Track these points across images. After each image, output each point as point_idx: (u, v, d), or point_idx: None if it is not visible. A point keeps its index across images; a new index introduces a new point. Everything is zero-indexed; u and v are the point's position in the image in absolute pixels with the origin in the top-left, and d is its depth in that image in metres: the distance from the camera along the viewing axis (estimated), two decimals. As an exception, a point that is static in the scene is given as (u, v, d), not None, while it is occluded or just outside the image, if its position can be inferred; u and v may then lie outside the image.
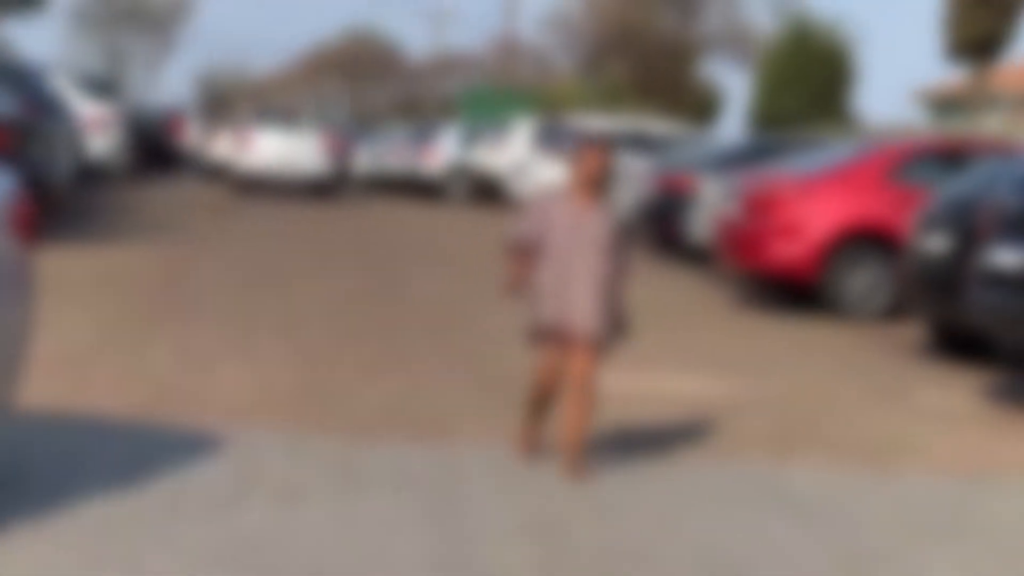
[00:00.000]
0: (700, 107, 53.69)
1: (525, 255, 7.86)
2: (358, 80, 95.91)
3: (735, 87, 67.56)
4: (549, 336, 7.87)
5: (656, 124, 31.65)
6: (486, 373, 10.98)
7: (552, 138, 28.86)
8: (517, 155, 30.29)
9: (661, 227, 21.07)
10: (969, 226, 11.49)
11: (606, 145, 7.87)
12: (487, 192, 34.12)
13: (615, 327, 7.90)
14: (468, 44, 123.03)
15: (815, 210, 15.26)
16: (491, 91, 51.55)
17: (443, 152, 37.20)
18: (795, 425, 9.77)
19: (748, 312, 15.68)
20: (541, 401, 8.06)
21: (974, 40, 39.69)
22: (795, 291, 15.73)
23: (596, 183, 7.76)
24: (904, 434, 9.73)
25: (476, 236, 25.14)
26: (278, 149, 33.79)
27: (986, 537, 7.28)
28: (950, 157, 15.25)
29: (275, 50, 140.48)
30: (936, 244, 12.12)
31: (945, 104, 48.66)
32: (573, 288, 7.75)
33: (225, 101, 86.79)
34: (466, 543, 6.56)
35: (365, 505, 7.09)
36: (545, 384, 7.98)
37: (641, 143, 26.81)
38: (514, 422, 8.76)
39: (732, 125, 51.94)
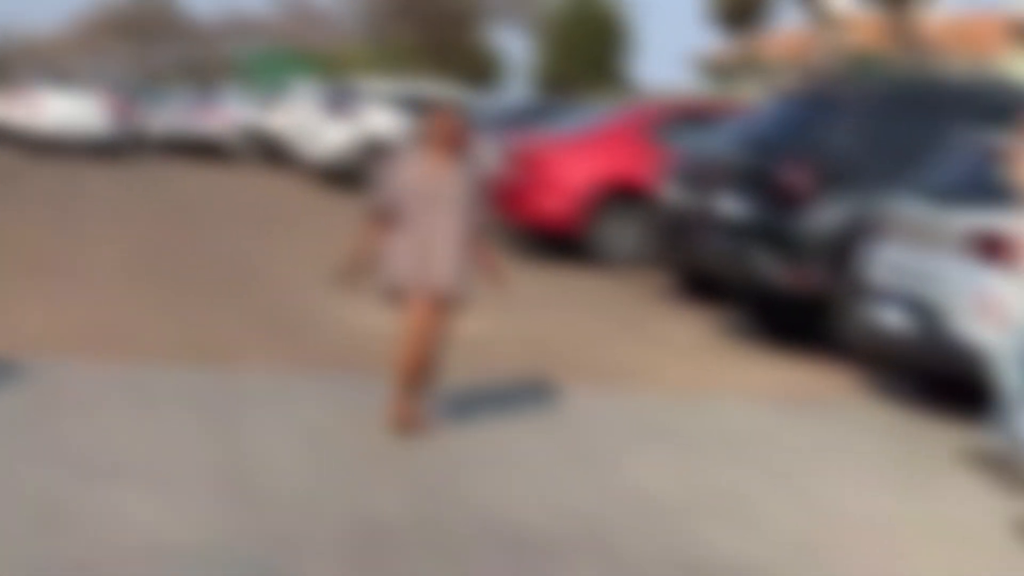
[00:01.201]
0: (484, 71, 54.89)
1: (382, 222, 8.05)
2: (144, 42, 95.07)
3: (520, 52, 68.96)
4: (408, 295, 8.03)
5: (437, 87, 32.63)
6: (271, 314, 11.95)
7: (337, 101, 29.64)
8: (302, 118, 30.98)
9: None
10: (703, 181, 12.73)
11: (458, 108, 8.41)
12: (274, 154, 34.79)
13: (471, 282, 8.13)
14: (258, 7, 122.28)
15: (576, 167, 16.43)
16: (278, 54, 52.03)
17: (230, 115, 37.74)
18: (552, 355, 10.90)
19: (518, 262, 16.80)
20: (414, 368, 8.09)
21: (734, 6, 41.47)
22: (560, 243, 16.89)
23: (450, 143, 8.02)
24: (644, 362, 10.93)
25: (263, 196, 25.92)
26: (60, 111, 34.03)
27: (699, 442, 8.49)
28: (699, 118, 16.50)
29: (56, 10, 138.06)
30: (678, 197, 13.34)
31: (717, 70, 50.55)
32: (433, 247, 7.97)
33: (3, 63, 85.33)
34: (244, 450, 7.56)
35: (156, 419, 8.05)
36: (415, 346, 8.03)
37: (423, 106, 27.75)
38: (295, 352, 9.78)
39: (517, 88, 53.16)
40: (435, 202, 8.00)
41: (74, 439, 7.52)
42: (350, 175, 27.86)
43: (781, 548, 6.51)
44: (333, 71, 46.04)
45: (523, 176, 16.82)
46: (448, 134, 8.06)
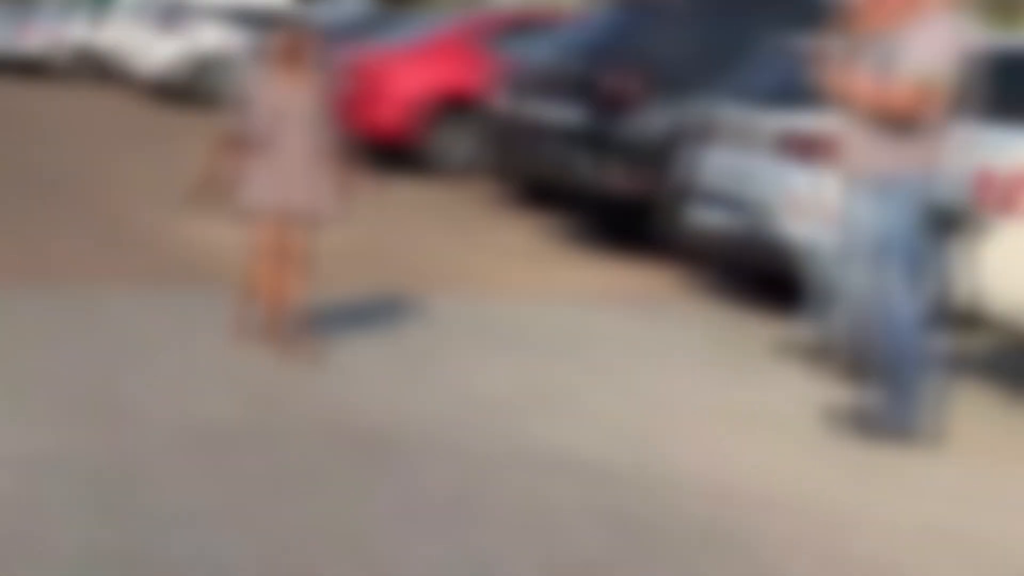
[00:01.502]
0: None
1: (238, 142, 8.07)
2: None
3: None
4: (264, 215, 8.12)
5: (269, 1, 32.39)
6: (110, 232, 12.02)
7: (167, 16, 29.26)
8: (132, 33, 30.55)
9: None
10: (533, 89, 12.99)
11: (301, 22, 8.46)
12: (104, 71, 34.29)
13: (328, 200, 8.21)
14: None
15: (407, 78, 16.59)
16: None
17: (45, 28, 37.01)
18: (391, 266, 11.13)
19: (358, 175, 16.91)
20: (257, 284, 8.25)
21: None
22: (397, 154, 17.06)
23: (296, 59, 8.02)
24: (480, 268, 11.23)
25: (94, 113, 25.60)
26: None
27: (531, 342, 8.81)
28: (531, 27, 16.70)
29: None
30: (510, 106, 13.59)
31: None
32: (289, 166, 8.03)
33: None
34: (81, 364, 7.74)
35: (-3, 334, 8.19)
36: (272, 264, 8.15)
37: (254, 19, 27.59)
38: (137, 268, 9.91)
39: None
40: (287, 120, 8.02)
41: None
42: (182, 90, 27.64)
43: (608, 438, 6.84)
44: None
45: (357, 88, 16.93)
46: (293, 50, 8.06)
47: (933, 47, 6.90)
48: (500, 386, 7.72)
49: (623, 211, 11.99)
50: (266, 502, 5.66)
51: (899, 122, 6.93)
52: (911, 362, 7.05)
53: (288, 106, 8.02)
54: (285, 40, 8.11)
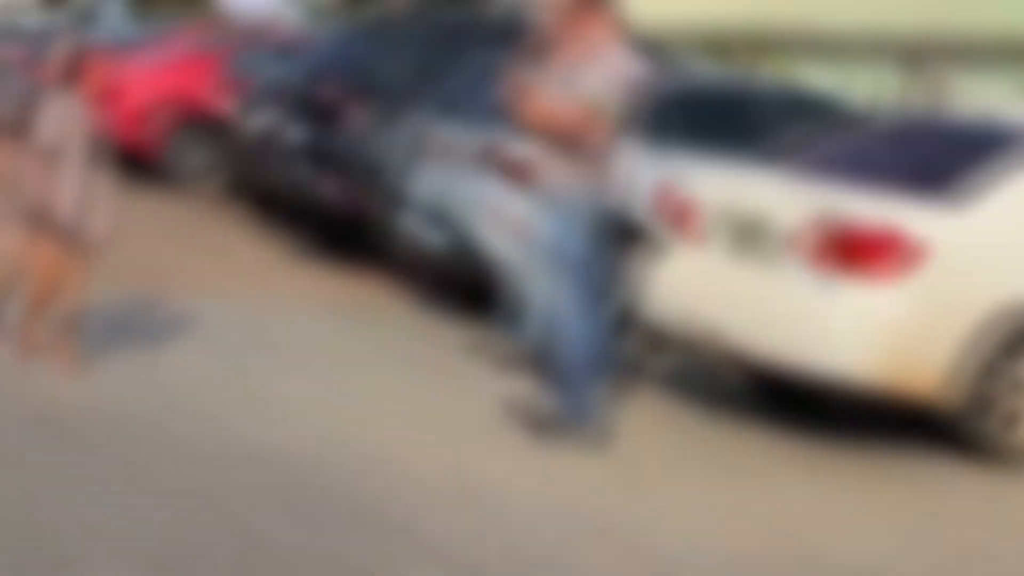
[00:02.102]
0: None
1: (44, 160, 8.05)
2: None
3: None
4: (39, 231, 8.14)
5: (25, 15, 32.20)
6: None
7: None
8: None
9: None
10: (269, 107, 13.41)
11: (74, 40, 8.65)
12: None
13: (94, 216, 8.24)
14: None
15: (148, 92, 16.83)
16: None
17: None
18: (134, 277, 11.37)
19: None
20: (49, 299, 8.27)
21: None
22: (142, 167, 17.25)
23: (72, 77, 8.08)
24: (211, 280, 11.59)
25: None
26: None
27: (242, 346, 9.24)
28: (273, 48, 17.08)
29: None
30: (251, 124, 13.96)
31: (316, 8, 50.95)
32: (61, 184, 8.06)
33: None
34: None
35: None
36: (47, 281, 8.19)
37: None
38: None
39: (113, 16, 52.51)
40: (69, 136, 8.08)
41: None
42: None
43: (293, 428, 7.32)
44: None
45: (108, 103, 17.10)
46: (71, 67, 8.14)
47: (602, 76, 7.52)
48: (203, 382, 8.14)
49: (343, 224, 12.47)
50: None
51: (568, 142, 7.54)
52: (584, 367, 7.64)
53: (70, 122, 8.11)
54: (64, 57, 8.18)
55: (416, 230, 10.65)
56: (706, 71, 13.36)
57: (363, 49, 12.73)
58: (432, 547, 5.72)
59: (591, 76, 7.56)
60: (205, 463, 6.60)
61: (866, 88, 19.77)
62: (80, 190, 8.12)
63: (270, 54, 16.49)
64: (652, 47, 12.68)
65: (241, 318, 10.02)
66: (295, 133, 12.63)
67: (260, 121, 13.48)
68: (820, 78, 19.19)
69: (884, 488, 7.26)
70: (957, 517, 6.87)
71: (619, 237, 8.67)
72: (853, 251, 7.40)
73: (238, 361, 8.72)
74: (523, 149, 8.32)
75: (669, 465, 7.38)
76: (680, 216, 8.50)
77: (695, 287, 8.32)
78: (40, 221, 8.09)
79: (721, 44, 23.00)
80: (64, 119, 8.08)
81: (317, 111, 12.40)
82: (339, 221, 12.48)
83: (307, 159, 12.41)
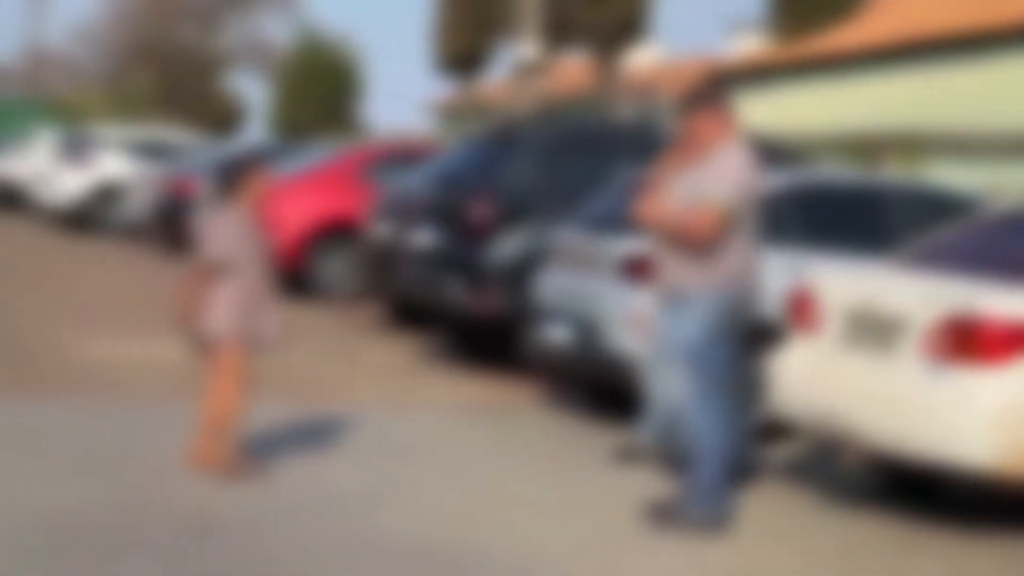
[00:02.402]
0: (224, 116, 55.55)
1: (207, 276, 8.40)
2: None
3: (257, 97, 70.03)
4: (228, 344, 8.44)
5: (172, 133, 33.31)
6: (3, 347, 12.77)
7: (73, 148, 30.08)
8: (40, 165, 31.32)
9: (169, 224, 22.89)
10: (402, 216, 13.85)
11: (251, 157, 8.87)
12: (12, 201, 34.94)
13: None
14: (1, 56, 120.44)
15: (294, 206, 17.41)
16: (16, 101, 51.79)
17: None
18: (264, 376, 11.84)
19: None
20: (229, 412, 8.54)
21: (455, 55, 43.27)
22: (284, 277, 17.81)
23: (263, 199, 8.57)
24: (351, 383, 11.99)
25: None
26: None
27: (386, 445, 9.56)
28: (410, 159, 17.62)
29: None
30: (382, 232, 14.43)
31: (445, 113, 52.09)
32: (257, 298, 8.47)
33: None
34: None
35: None
36: (235, 391, 8.51)
37: (157, 151, 28.48)
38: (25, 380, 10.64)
39: (256, 133, 54.12)
40: (254, 255, 8.45)
41: None
42: (85, 219, 28.42)
43: (434, 526, 7.62)
44: (74, 118, 46.17)
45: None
46: (263, 190, 8.57)
47: (718, 177, 7.80)
48: (352, 482, 8.48)
49: (483, 330, 12.81)
50: None
51: (685, 242, 7.81)
52: (709, 460, 7.85)
53: (254, 242, 8.46)
54: (253, 181, 8.49)
55: (548, 333, 10.93)
56: (834, 171, 13.57)
57: (495, 159, 13.12)
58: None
59: (707, 177, 7.83)
60: (345, 561, 6.90)
61: (1016, 188, 19.79)
62: (261, 301, 8.46)
63: (407, 164, 17.01)
64: (781, 150, 12.96)
65: (375, 420, 10.34)
66: (430, 242, 13.02)
67: (396, 231, 13.89)
68: (967, 179, 19.29)
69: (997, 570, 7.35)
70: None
71: (751, 335, 8.93)
72: (977, 342, 7.54)
73: (382, 461, 9.04)
74: (647, 249, 8.61)
75: (790, 553, 7.53)
76: (803, 310, 8.69)
77: (820, 380, 8.49)
78: (211, 337, 8.39)
79: (870, 148, 23.09)
80: (234, 231, 8.39)
81: (452, 221, 12.79)
82: (477, 327, 12.83)
83: (443, 267, 12.78)
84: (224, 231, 8.41)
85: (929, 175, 20.84)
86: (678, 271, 7.98)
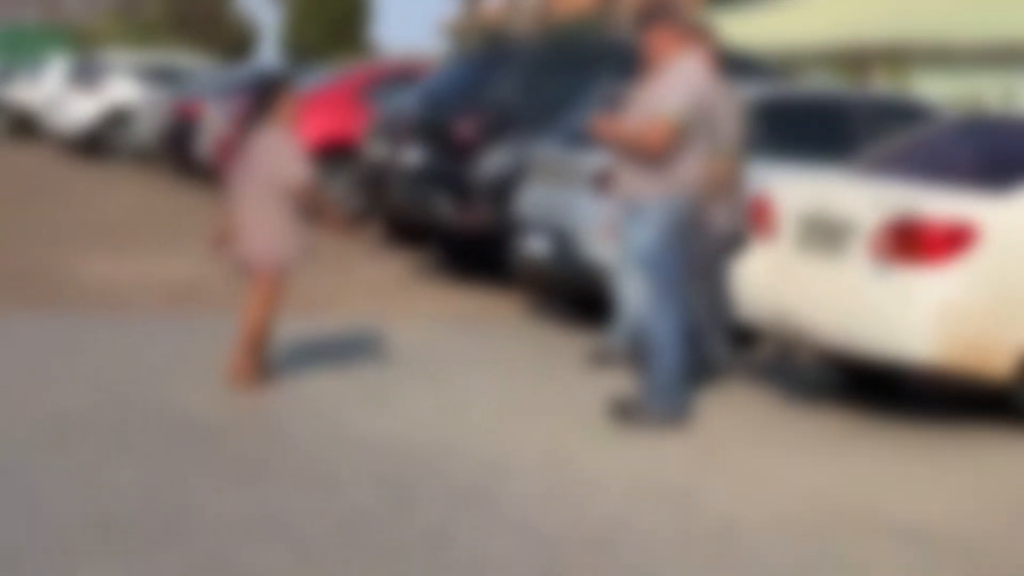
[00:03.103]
0: (236, 40, 55.83)
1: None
2: None
3: (269, 21, 70.30)
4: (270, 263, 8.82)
5: (182, 58, 33.67)
6: (10, 268, 13.26)
7: (84, 74, 30.47)
8: (52, 91, 31.74)
9: (177, 148, 23.35)
10: (394, 136, 14.26)
11: (285, 81, 9.04)
12: (24, 127, 35.42)
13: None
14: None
15: (306, 131, 17.78)
16: (27, 29, 52.21)
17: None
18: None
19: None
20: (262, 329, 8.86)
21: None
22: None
23: (263, 108, 8.73)
24: (345, 297, 12.44)
25: (9, 166, 26.75)
26: None
27: (373, 354, 10.03)
28: (409, 79, 17.98)
29: None
30: (377, 152, 14.84)
31: (455, 34, 52.19)
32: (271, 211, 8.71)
33: None
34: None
35: None
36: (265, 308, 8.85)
37: (167, 77, 28.87)
38: (14, 297, 11.12)
39: (268, 57, 54.39)
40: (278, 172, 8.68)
41: None
42: (96, 143, 28.90)
43: (408, 424, 8.09)
44: (88, 44, 46.52)
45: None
46: (295, 111, 8.81)
47: (676, 92, 8.19)
48: (332, 386, 8.95)
49: (471, 245, 13.25)
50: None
51: (637, 155, 8.22)
52: (671, 362, 8.29)
53: (283, 155, 8.69)
54: (290, 102, 8.74)
55: (529, 245, 11.37)
56: (799, 84, 13.91)
57: (476, 76, 13.51)
58: (515, 518, 6.42)
59: (660, 91, 8.23)
60: (318, 453, 7.39)
61: (995, 99, 20.10)
62: (289, 221, 8.77)
63: (408, 85, 17.34)
64: (750, 63, 13.32)
65: (365, 331, 10.81)
66: (416, 158, 13.44)
67: (387, 149, 14.30)
68: (952, 90, 19.60)
69: (944, 455, 7.79)
70: (1009, 479, 7.39)
71: (727, 244, 9.36)
72: (919, 242, 7.96)
73: (366, 366, 9.51)
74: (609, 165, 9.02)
75: (743, 442, 8.00)
76: (761, 217, 9.11)
77: (776, 284, 8.93)
78: (255, 258, 8.76)
79: (857, 61, 23.33)
80: (283, 153, 8.66)
81: (436, 137, 13.20)
82: (467, 242, 13.27)
83: (431, 184, 13.20)
84: (278, 153, 8.63)
85: (915, 87, 21.14)
86: (633, 181, 8.37)
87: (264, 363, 8.96)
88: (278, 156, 8.67)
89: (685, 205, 8.32)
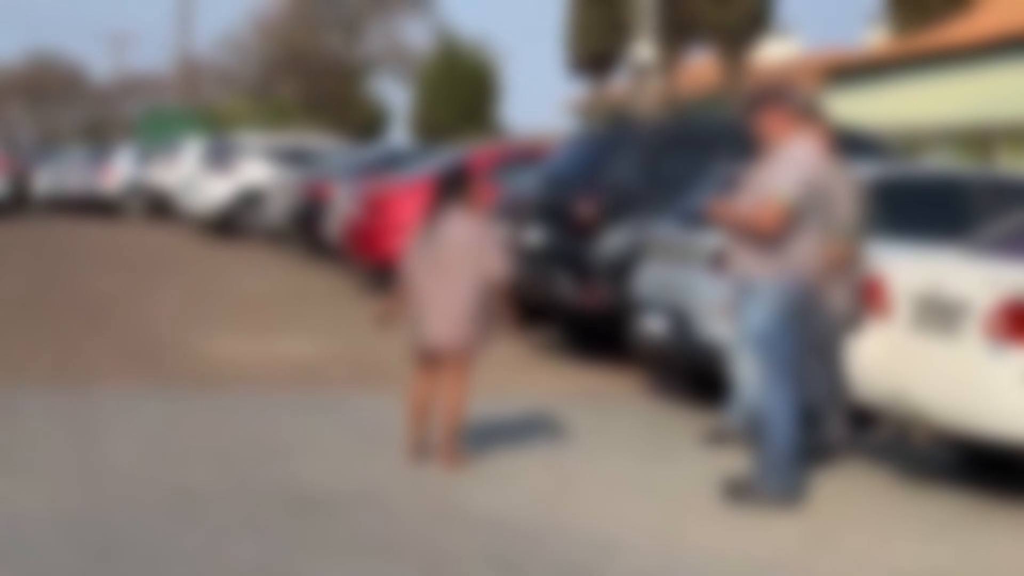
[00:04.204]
0: (367, 121, 56.69)
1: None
2: (42, 102, 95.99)
3: (399, 101, 71.39)
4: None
5: (314, 140, 34.31)
6: (135, 344, 13.59)
7: (219, 155, 31.18)
8: (187, 172, 32.50)
9: (307, 228, 23.77)
10: (516, 215, 14.44)
11: (454, 164, 9.53)
12: (161, 208, 36.27)
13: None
14: (151, 65, 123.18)
15: (412, 208, 18.05)
16: (167, 112, 53.44)
17: (120, 171, 39.11)
18: (368, 370, 12.52)
19: (362, 295, 18.40)
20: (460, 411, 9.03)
21: (587, 57, 43.91)
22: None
23: (451, 192, 8.89)
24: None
25: (145, 246, 27.44)
26: None
27: (486, 431, 10.17)
28: (529, 159, 18.18)
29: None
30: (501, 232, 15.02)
31: (580, 112, 52.63)
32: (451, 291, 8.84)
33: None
34: (90, 443, 9.20)
35: (20, 425, 9.68)
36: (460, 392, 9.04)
37: (299, 157, 29.44)
38: (151, 373, 11.45)
39: (398, 136, 55.21)
40: (465, 254, 8.85)
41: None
42: (229, 223, 29.52)
43: (521, 500, 8.19)
44: (222, 126, 47.51)
45: (371, 217, 18.47)
46: (486, 196, 9.03)
47: (787, 175, 8.26)
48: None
49: (591, 323, 13.37)
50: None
51: (758, 237, 8.30)
52: (784, 442, 8.32)
53: (471, 238, 8.83)
54: (482, 188, 9.00)
55: (646, 324, 11.45)
56: (921, 162, 13.89)
57: (596, 157, 13.67)
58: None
59: (773, 174, 8.31)
60: (431, 530, 7.52)
61: None
62: (478, 306, 8.83)
63: (531, 164, 17.51)
64: (866, 142, 13.33)
65: (484, 408, 10.92)
66: (538, 238, 13.60)
67: (510, 228, 14.45)
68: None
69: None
70: None
71: (840, 325, 9.38)
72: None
73: (476, 445, 9.63)
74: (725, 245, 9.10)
75: (857, 523, 7.99)
76: (875, 297, 9.12)
77: (891, 364, 8.92)
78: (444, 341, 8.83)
79: (981, 139, 23.22)
80: (481, 242, 8.79)
81: (557, 217, 13.36)
82: (586, 320, 13.38)
83: (552, 263, 13.35)
84: (480, 243, 8.75)
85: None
86: (748, 262, 8.45)
87: (463, 445, 9.09)
88: (480, 245, 8.77)
89: (799, 286, 8.38)
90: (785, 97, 8.49)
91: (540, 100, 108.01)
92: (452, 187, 8.92)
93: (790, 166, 8.31)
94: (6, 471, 8.45)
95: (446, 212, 8.90)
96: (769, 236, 8.26)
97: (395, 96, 76.13)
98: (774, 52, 44.88)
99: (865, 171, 10.81)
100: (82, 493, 8.03)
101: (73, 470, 8.55)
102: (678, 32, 36.40)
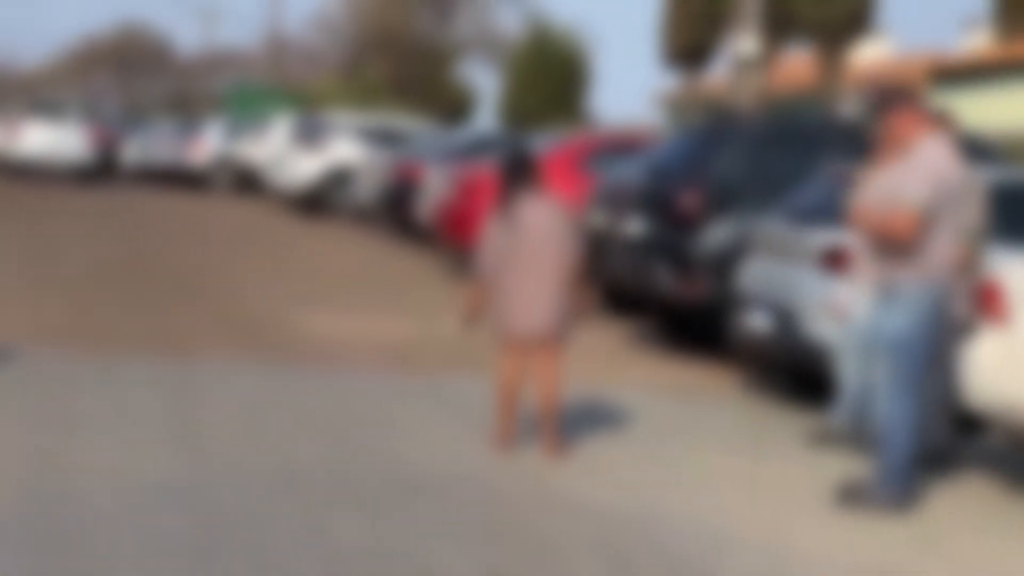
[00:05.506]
0: (454, 105, 56.69)
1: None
2: (129, 74, 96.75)
3: (487, 87, 71.32)
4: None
5: (403, 121, 34.29)
6: (225, 316, 13.59)
7: (308, 133, 31.22)
8: (276, 148, 32.55)
9: (396, 209, 23.74)
10: (615, 205, 14.34)
11: (518, 152, 9.22)
12: (248, 183, 36.38)
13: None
14: (238, 41, 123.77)
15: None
16: (256, 88, 53.63)
17: (208, 145, 39.27)
18: (460, 353, 12.45)
19: (454, 278, 18.36)
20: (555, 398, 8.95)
21: (682, 48, 43.68)
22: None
23: (520, 178, 8.79)
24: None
25: (233, 220, 27.51)
26: (44, 139, 36.00)
27: (586, 422, 10.06)
28: (623, 149, 18.07)
29: (44, 42, 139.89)
30: (597, 220, 14.93)
31: (670, 105, 52.44)
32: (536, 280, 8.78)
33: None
34: (192, 414, 9.18)
35: (123, 393, 9.66)
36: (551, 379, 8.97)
37: (388, 138, 29.42)
38: (244, 346, 11.40)
39: (485, 121, 55.16)
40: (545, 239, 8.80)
41: (55, 407, 9.12)
42: (317, 201, 29.55)
43: (624, 492, 8.09)
44: (309, 104, 47.64)
45: (464, 201, 18.40)
46: (522, 173, 8.84)
47: (920, 179, 8.09)
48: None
49: (690, 317, 13.23)
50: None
51: (889, 241, 8.14)
52: (903, 449, 8.17)
53: (550, 224, 8.77)
54: (534, 166, 8.85)
55: (749, 320, 11.31)
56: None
57: (700, 150, 13.53)
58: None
59: (906, 177, 8.13)
60: (537, 518, 7.44)
61: None
62: (563, 292, 8.79)
63: (626, 154, 17.43)
64: (983, 147, 13.12)
65: (581, 398, 10.85)
66: (638, 228, 13.48)
67: (607, 218, 14.37)
68: None
69: None
70: None
71: (956, 330, 9.20)
72: None
73: (576, 435, 9.54)
74: (850, 242, 8.94)
75: (967, 529, 7.85)
76: (991, 303, 8.94)
77: (1006, 371, 8.74)
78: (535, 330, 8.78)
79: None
80: (544, 221, 8.72)
81: (659, 208, 13.23)
82: (682, 312, 13.25)
83: (652, 255, 13.23)
84: (555, 228, 8.70)
85: None
86: (889, 266, 8.26)
87: (512, 429, 9.02)
88: (559, 230, 8.72)
89: (941, 290, 8.22)
90: (917, 97, 8.32)
91: (629, 91, 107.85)
92: (520, 173, 8.82)
93: (924, 168, 8.13)
94: (111, 442, 8.43)
95: (518, 199, 8.80)
96: (905, 242, 8.10)
97: (483, 81, 76.28)
98: (870, 53, 44.49)
99: (983, 176, 10.61)
100: (187, 465, 8.01)
101: (176, 442, 8.53)
102: (776, 28, 36.13)
